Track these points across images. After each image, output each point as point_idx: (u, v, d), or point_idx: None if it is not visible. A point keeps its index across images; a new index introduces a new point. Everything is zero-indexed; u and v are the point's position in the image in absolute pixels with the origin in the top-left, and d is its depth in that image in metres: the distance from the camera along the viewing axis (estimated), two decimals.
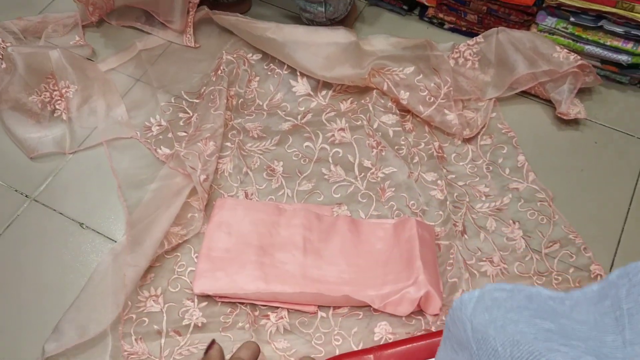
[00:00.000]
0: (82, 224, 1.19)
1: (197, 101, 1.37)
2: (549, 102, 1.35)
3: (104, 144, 1.31)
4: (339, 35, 1.35)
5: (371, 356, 0.90)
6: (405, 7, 1.51)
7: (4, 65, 1.41)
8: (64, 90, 1.36)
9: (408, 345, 0.91)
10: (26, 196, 1.24)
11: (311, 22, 1.43)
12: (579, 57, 1.28)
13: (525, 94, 1.37)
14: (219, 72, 1.37)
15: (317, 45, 1.33)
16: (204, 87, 1.37)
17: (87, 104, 1.36)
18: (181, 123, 1.33)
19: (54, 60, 1.37)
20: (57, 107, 1.35)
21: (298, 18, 1.48)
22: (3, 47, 1.40)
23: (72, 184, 1.25)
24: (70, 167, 1.28)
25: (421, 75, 1.32)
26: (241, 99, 1.37)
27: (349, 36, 1.34)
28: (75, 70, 1.38)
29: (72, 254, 1.16)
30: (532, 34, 1.33)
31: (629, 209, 1.21)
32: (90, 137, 1.33)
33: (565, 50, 1.30)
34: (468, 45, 1.38)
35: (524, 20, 1.38)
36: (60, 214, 1.21)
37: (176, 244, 1.14)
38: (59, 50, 1.38)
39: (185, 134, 1.31)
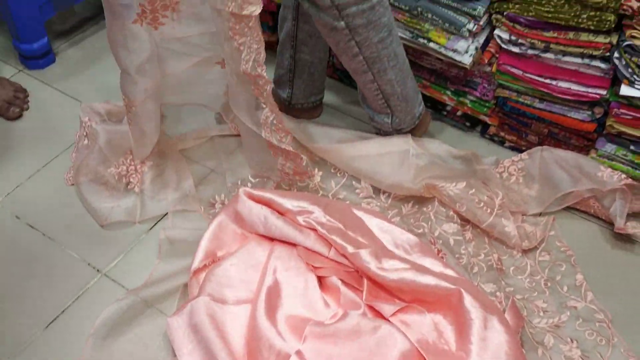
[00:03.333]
0: (147, 300, 1.22)
1: (258, 179, 1.45)
2: (607, 223, 1.38)
3: (169, 214, 1.39)
4: (393, 144, 1.44)
5: None
6: (467, 123, 1.60)
7: (86, 142, 1.52)
8: (138, 166, 1.45)
9: None
10: (97, 270, 1.30)
11: (378, 131, 1.51)
12: (623, 176, 1.33)
13: (583, 213, 1.41)
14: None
15: (372, 157, 1.42)
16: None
17: (160, 177, 1.45)
18: None
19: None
20: (131, 180, 1.44)
21: (366, 124, 1.56)
22: (89, 125, 1.53)
23: (142, 262, 1.31)
24: (142, 246, 1.34)
25: (474, 190, 1.37)
26: (305, 191, 1.44)
27: (402, 144, 1.43)
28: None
29: (134, 332, 1.19)
30: (576, 154, 1.40)
31: None
32: (159, 207, 1.41)
33: (610, 169, 1.35)
34: (513, 161, 1.45)
35: (584, 144, 1.44)
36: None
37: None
38: None
39: None
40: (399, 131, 1.48)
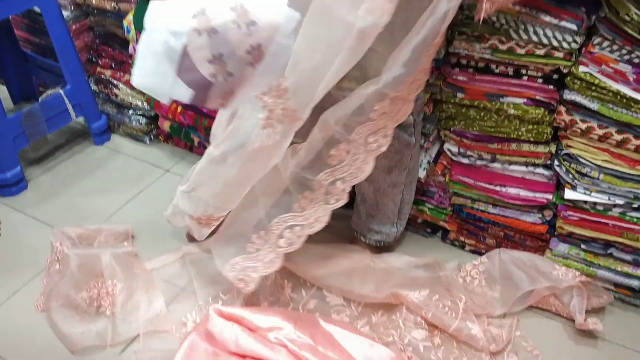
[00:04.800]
0: None
1: (229, 296, 1.48)
2: (570, 320, 1.43)
3: (141, 336, 1.39)
4: (355, 260, 1.52)
5: None
6: (428, 230, 1.67)
7: (57, 267, 1.54)
8: (110, 289, 1.47)
9: None
10: None
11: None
12: (577, 273, 1.41)
13: (545, 311, 1.46)
14: None
15: (340, 274, 1.49)
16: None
17: (131, 300, 1.47)
18: None
19: (105, 263, 1.51)
20: (102, 303, 1.45)
21: (331, 234, 1.61)
22: (60, 250, 1.55)
23: None
24: None
25: (437, 295, 1.43)
26: (276, 306, 1.46)
27: (363, 259, 1.51)
28: (123, 269, 1.51)
29: None
30: (532, 254, 1.48)
31: None
32: (130, 329, 1.41)
33: (564, 267, 1.43)
34: (474, 264, 1.53)
35: (539, 245, 1.52)
36: None
37: None
38: (110, 253, 1.53)
39: None
40: (396, 240, 1.57)
